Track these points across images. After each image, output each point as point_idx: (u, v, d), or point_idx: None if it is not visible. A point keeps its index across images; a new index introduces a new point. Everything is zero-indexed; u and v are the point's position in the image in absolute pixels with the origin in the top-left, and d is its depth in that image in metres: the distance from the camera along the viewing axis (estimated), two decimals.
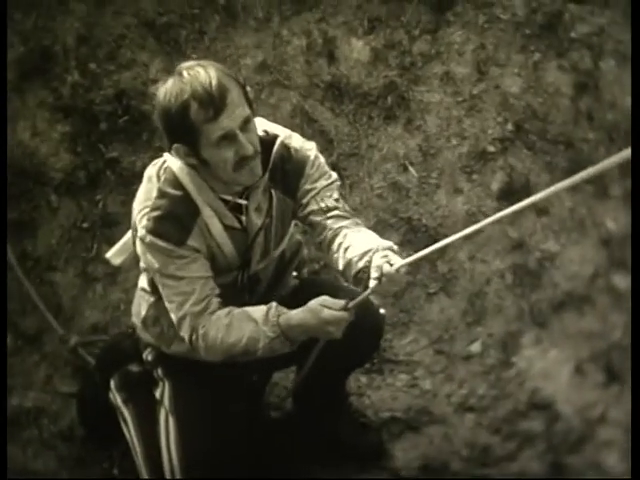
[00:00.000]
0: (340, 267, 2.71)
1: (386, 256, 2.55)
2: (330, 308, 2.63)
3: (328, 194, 2.82)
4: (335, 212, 2.80)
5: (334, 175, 2.88)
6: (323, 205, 2.80)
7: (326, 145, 4.19)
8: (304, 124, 4.23)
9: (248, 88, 4.09)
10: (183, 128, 2.56)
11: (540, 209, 4.03)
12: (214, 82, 2.51)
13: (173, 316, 2.78)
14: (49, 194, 4.06)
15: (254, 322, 2.70)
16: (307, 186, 2.82)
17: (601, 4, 4.40)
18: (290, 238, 3.01)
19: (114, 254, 3.08)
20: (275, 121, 4.06)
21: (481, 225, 2.44)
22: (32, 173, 4.07)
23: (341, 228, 2.76)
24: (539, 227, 4.00)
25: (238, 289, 2.92)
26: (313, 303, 2.66)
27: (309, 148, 2.86)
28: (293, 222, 2.97)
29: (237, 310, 2.74)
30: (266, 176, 2.75)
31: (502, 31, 4.39)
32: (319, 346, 2.90)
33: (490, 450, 3.43)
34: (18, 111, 4.17)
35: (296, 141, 2.85)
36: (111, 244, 3.63)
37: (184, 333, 2.77)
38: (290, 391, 3.47)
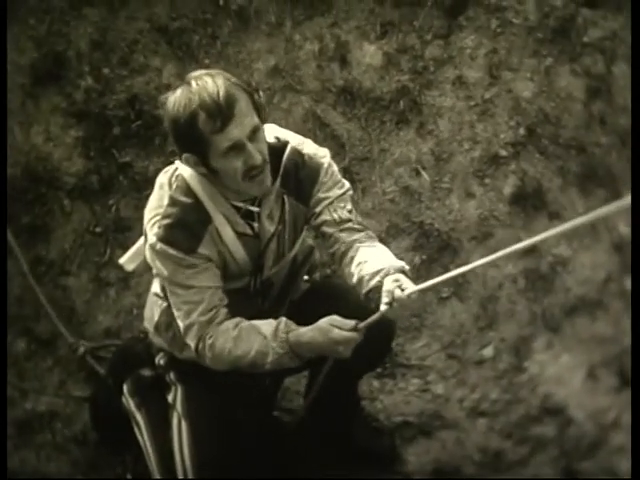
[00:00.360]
0: (352, 282, 2.71)
1: (397, 280, 2.56)
2: (340, 328, 2.64)
3: (342, 205, 2.82)
4: (348, 224, 2.80)
5: (347, 184, 2.88)
6: (336, 216, 2.80)
7: (338, 150, 4.19)
8: (316, 129, 4.23)
9: (260, 93, 4.19)
10: (192, 138, 2.56)
11: (552, 213, 4.02)
12: (222, 92, 2.50)
13: (180, 324, 2.79)
14: (62, 199, 4.07)
15: (263, 337, 2.70)
16: (320, 194, 2.82)
17: (614, 9, 4.39)
18: (302, 242, 3.00)
19: (127, 260, 3.08)
20: (287, 126, 4.09)
21: (504, 253, 2.43)
22: (45, 178, 4.08)
23: (354, 242, 2.77)
24: None
25: (251, 294, 2.92)
26: (323, 322, 2.67)
27: (323, 155, 2.85)
28: (305, 227, 2.98)
29: (246, 323, 2.75)
30: (278, 183, 2.75)
31: (514, 35, 4.38)
32: (329, 363, 2.90)
33: (502, 455, 3.43)
34: (32, 116, 4.19)
35: (309, 148, 2.85)
36: (124, 249, 3.64)
37: (190, 341, 2.77)
38: (302, 396, 3.47)
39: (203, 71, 2.61)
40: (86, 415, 3.52)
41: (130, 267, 3.07)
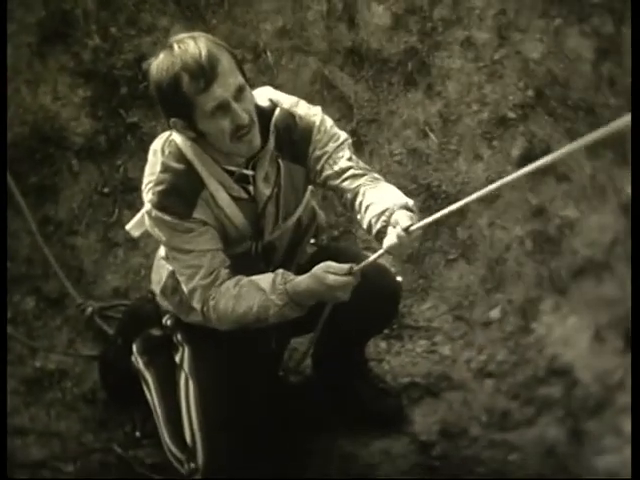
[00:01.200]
0: (364, 226, 2.73)
1: (400, 220, 2.55)
2: (335, 273, 2.66)
3: (340, 155, 2.83)
4: (350, 172, 2.80)
5: (343, 134, 2.88)
6: (337, 168, 2.81)
7: (346, 111, 4.19)
8: (324, 90, 4.22)
9: (268, 53, 4.18)
10: (177, 101, 2.57)
11: (560, 176, 4.02)
12: (204, 53, 2.51)
13: (184, 288, 2.82)
14: (70, 159, 4.07)
15: (262, 291, 2.73)
16: (317, 152, 2.83)
17: None
18: (306, 205, 3.01)
19: (133, 226, 3.07)
20: (295, 87, 4.12)
21: (496, 186, 2.43)
22: (53, 137, 4.08)
23: (359, 187, 2.77)
24: (559, 194, 3.99)
25: (253, 258, 2.93)
26: (318, 269, 2.69)
27: (314, 114, 2.85)
28: (309, 188, 2.98)
29: (245, 280, 2.76)
30: (271, 145, 2.76)
31: None
32: (329, 308, 2.90)
33: (509, 415, 3.43)
34: (39, 75, 4.17)
35: (301, 108, 2.85)
36: (132, 209, 3.67)
37: (196, 305, 2.81)
38: (306, 355, 3.45)
39: (185, 34, 2.61)
40: (95, 374, 3.54)
41: (136, 233, 3.08)
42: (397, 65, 4.30)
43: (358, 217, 2.76)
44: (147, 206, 2.75)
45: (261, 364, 3.20)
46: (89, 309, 3.70)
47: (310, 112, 2.85)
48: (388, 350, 3.72)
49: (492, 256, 3.92)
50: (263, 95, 2.80)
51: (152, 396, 3.17)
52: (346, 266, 2.67)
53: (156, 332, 3.26)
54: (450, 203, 3.91)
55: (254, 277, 2.77)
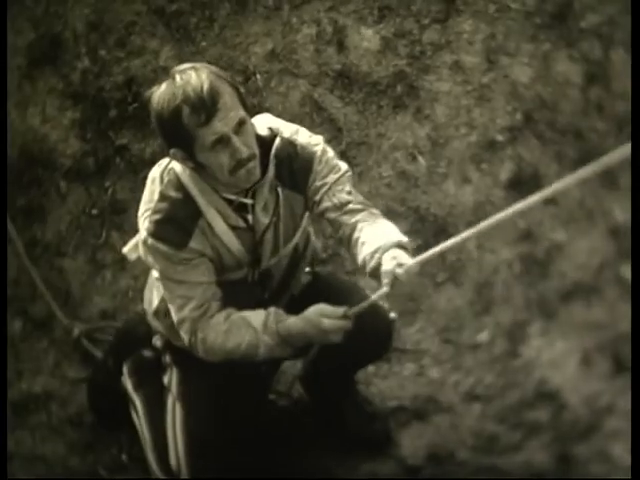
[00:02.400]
0: (358, 263, 2.72)
1: (395, 258, 2.56)
2: (329, 317, 2.66)
3: (339, 188, 2.81)
4: (349, 207, 2.79)
5: (344, 166, 2.87)
6: (336, 201, 2.79)
7: (335, 133, 4.20)
8: (313, 113, 4.23)
9: (257, 77, 4.19)
10: (177, 133, 2.56)
11: (549, 199, 4.01)
12: (205, 86, 2.50)
13: (174, 317, 2.80)
14: (58, 180, 4.07)
15: (253, 329, 2.72)
16: (317, 183, 2.81)
17: None
18: (302, 232, 2.99)
19: (130, 249, 3.06)
20: (284, 110, 4.13)
21: (495, 220, 2.44)
22: (41, 159, 4.08)
23: (357, 223, 2.76)
24: (547, 217, 4.00)
25: (249, 285, 2.91)
26: (312, 313, 2.69)
27: (316, 143, 2.84)
28: (306, 215, 2.97)
29: (235, 315, 2.75)
30: (271, 174, 2.74)
31: (512, 20, 4.38)
32: (314, 352, 2.92)
33: (496, 439, 3.42)
34: (28, 97, 4.18)
35: (302, 137, 2.84)
36: (120, 231, 3.67)
37: (183, 335, 2.79)
38: (297, 378, 3.46)
39: (188, 65, 2.61)
40: (81, 396, 3.53)
41: (132, 256, 3.07)
42: (386, 88, 4.31)
43: (354, 252, 2.74)
44: (143, 234, 2.73)
45: (250, 388, 3.18)
46: (76, 330, 3.70)
47: (312, 141, 2.84)
48: (376, 373, 3.71)
49: (480, 279, 3.92)
50: (262, 123, 2.79)
51: (140, 420, 3.16)
52: (340, 310, 2.66)
53: (148, 353, 3.23)
54: (439, 226, 4.01)
55: (245, 313, 2.76)
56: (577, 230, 3.95)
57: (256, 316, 2.74)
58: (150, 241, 2.70)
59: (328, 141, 2.85)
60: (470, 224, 3.93)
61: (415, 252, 3.92)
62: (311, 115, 4.21)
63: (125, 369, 3.25)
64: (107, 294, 3.89)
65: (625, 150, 1.95)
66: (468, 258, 3.96)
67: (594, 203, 3.99)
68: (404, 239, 2.67)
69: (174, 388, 3.05)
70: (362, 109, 4.29)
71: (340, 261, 4.00)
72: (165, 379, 3.10)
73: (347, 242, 2.79)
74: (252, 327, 2.72)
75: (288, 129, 2.84)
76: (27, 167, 4.03)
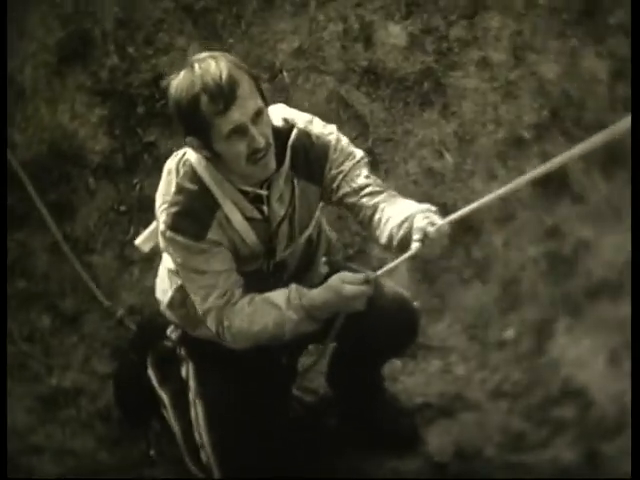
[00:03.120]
0: (383, 241, 2.70)
1: (427, 217, 2.55)
2: (351, 283, 2.65)
3: (357, 173, 2.80)
4: (368, 189, 2.78)
5: (359, 153, 2.86)
6: (355, 185, 2.78)
7: (362, 130, 4.21)
8: (340, 109, 4.24)
9: (284, 74, 4.20)
10: (194, 121, 2.56)
11: (575, 196, 4.02)
12: (224, 75, 2.50)
13: (199, 308, 2.79)
14: (87, 177, 4.11)
15: (277, 308, 2.71)
16: (334, 171, 2.81)
17: None
18: (316, 223, 2.99)
19: (143, 241, 3.06)
20: (311, 106, 4.13)
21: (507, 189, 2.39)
22: (71, 156, 4.12)
23: (377, 203, 2.74)
24: (574, 214, 3.99)
25: (265, 276, 2.91)
26: (333, 281, 2.68)
27: (329, 132, 2.84)
28: (319, 205, 2.95)
29: (258, 297, 2.75)
30: (287, 166, 2.74)
31: (539, 17, 4.37)
32: (341, 318, 2.86)
33: (523, 437, 3.42)
34: (57, 94, 4.22)
35: (316, 127, 2.83)
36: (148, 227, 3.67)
37: (211, 325, 2.78)
38: (314, 365, 3.39)
39: (207, 54, 2.60)
40: (110, 392, 3.54)
41: (146, 248, 3.07)
42: (413, 85, 4.31)
43: (377, 233, 2.73)
44: (161, 227, 2.73)
45: (271, 380, 3.16)
46: (120, 311, 3.70)
47: (325, 131, 2.84)
48: (402, 370, 3.72)
49: (507, 276, 3.92)
50: (277, 114, 2.78)
51: (168, 415, 3.17)
52: (361, 275, 2.66)
53: (169, 344, 3.21)
54: (465, 223, 4.01)
55: (267, 294, 2.75)
56: (604, 227, 3.93)
57: (278, 295, 2.73)
58: (169, 234, 2.70)
59: (355, 138, 2.87)
60: (497, 221, 4.00)
61: (442, 248, 3.99)
62: (338, 112, 4.22)
63: (149, 363, 3.26)
64: (135, 290, 3.91)
65: (624, 123, 1.92)
66: (494, 255, 3.96)
67: (620, 200, 3.98)
68: (432, 207, 2.66)
69: (192, 383, 3.05)
70: (389, 106, 4.29)
71: (366, 258, 4.01)
72: (183, 372, 3.10)
73: (368, 224, 2.77)
74: (276, 306, 2.71)
75: (302, 119, 2.83)
76: (56, 164, 4.06)
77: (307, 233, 2.94)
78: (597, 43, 4.28)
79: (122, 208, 4.06)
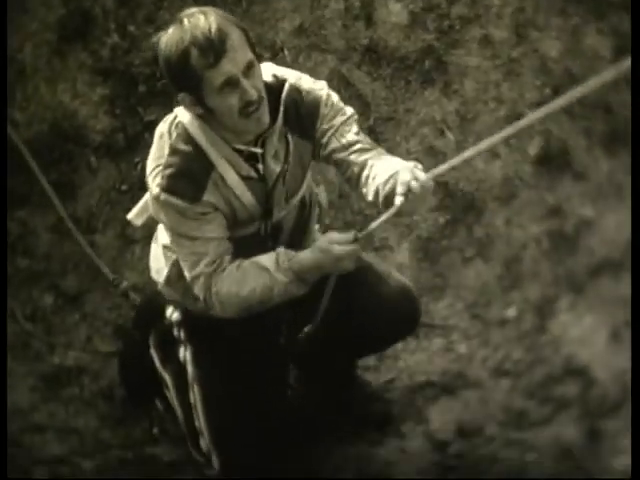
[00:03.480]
0: (370, 198, 2.69)
1: (411, 172, 2.53)
2: (339, 243, 2.62)
3: (347, 129, 2.79)
4: (357, 146, 2.77)
5: (350, 110, 2.84)
6: (344, 141, 2.77)
7: (363, 109, 4.19)
8: (341, 88, 4.22)
9: (285, 52, 4.19)
10: (185, 76, 2.54)
11: (577, 174, 4.02)
12: (213, 28, 2.48)
13: (187, 275, 2.77)
14: (89, 156, 4.10)
15: (265, 270, 2.69)
16: (324, 126, 2.79)
17: None
18: (308, 183, 2.98)
19: (135, 215, 3.06)
20: None
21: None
22: (72, 135, 4.11)
23: (366, 160, 2.73)
24: (576, 192, 3.99)
25: (262, 239, 2.89)
26: (321, 242, 2.66)
27: (320, 88, 2.82)
28: (310, 165, 2.93)
29: (246, 262, 2.73)
30: (280, 122, 2.72)
31: None
32: (332, 281, 2.80)
33: (525, 414, 3.43)
34: (58, 73, 4.20)
35: (306, 82, 2.82)
36: None
37: (198, 292, 2.76)
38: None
39: (196, 9, 2.59)
40: (113, 370, 3.56)
41: (138, 221, 3.06)
42: (414, 63, 4.30)
43: (364, 190, 2.71)
44: (155, 190, 2.69)
45: (269, 364, 3.12)
46: (124, 283, 3.70)
47: (316, 86, 2.82)
48: (404, 348, 3.72)
49: (508, 255, 3.92)
50: (266, 71, 2.76)
51: (171, 396, 3.17)
52: (349, 234, 2.63)
53: (169, 323, 3.19)
54: (467, 202, 4.01)
55: (255, 258, 2.73)
56: (605, 205, 3.93)
57: (266, 258, 2.71)
58: (163, 196, 2.67)
59: (356, 116, 2.84)
60: (499, 199, 4.00)
61: (444, 227, 4.00)
62: (339, 90, 4.17)
63: (151, 342, 3.24)
64: (137, 269, 3.90)
65: (625, 64, 1.91)
66: (496, 233, 3.96)
67: (623, 178, 3.97)
68: (418, 164, 2.64)
69: (189, 367, 3.05)
70: (390, 84, 4.29)
71: (368, 238, 4.01)
72: (180, 354, 3.09)
73: (356, 181, 2.76)
74: (264, 269, 2.69)
75: (292, 75, 2.81)
76: (57, 143, 4.06)
77: (300, 193, 2.92)
78: (599, 20, 4.26)
79: (123, 187, 4.06)
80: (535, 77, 4.22)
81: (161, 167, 2.69)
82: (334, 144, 2.79)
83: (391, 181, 2.58)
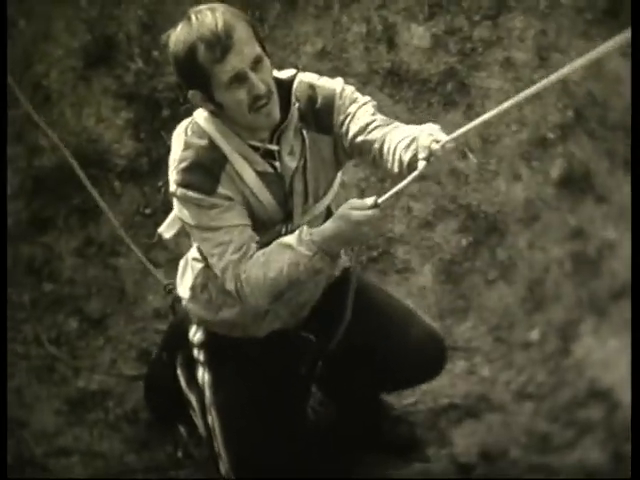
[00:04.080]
0: (395, 169, 2.59)
1: (431, 135, 2.46)
2: (359, 209, 2.55)
3: (362, 112, 2.74)
4: (374, 124, 2.71)
5: (366, 98, 2.80)
6: (362, 123, 2.72)
7: None
8: None
9: None
10: (194, 72, 2.53)
11: (599, 197, 4.02)
12: (220, 23, 2.47)
13: (217, 270, 2.72)
14: (113, 180, 4.13)
15: (289, 247, 2.62)
16: (341, 117, 2.75)
17: None
18: (336, 191, 2.93)
19: (165, 228, 3.05)
20: None
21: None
22: (96, 160, 4.13)
23: (385, 134, 2.66)
24: (598, 215, 3.99)
25: None
26: (342, 209, 2.58)
27: (335, 82, 2.81)
28: (339, 176, 2.91)
29: (272, 245, 2.68)
30: (294, 117, 2.70)
31: (563, 16, 4.36)
32: (351, 297, 2.84)
33: (549, 438, 3.42)
34: (83, 98, 4.24)
35: (321, 80, 2.81)
36: None
37: (229, 284, 2.69)
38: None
39: (204, 6, 2.57)
40: (137, 394, 3.57)
41: (168, 234, 3.04)
42: (436, 86, 4.32)
43: (388, 164, 2.62)
44: (172, 187, 2.69)
45: (289, 391, 3.10)
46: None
47: (330, 81, 2.82)
48: None
49: (531, 277, 3.92)
50: (280, 73, 2.74)
51: (197, 416, 3.16)
52: (369, 200, 2.55)
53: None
54: (489, 224, 4.01)
55: (279, 239, 2.68)
56: (628, 228, 3.92)
57: (290, 236, 2.65)
58: (179, 191, 2.66)
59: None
60: (521, 221, 4.00)
61: (466, 249, 4.00)
62: None
63: (178, 363, 3.22)
64: (160, 293, 3.90)
65: (625, 36, 1.91)
66: (519, 256, 3.96)
67: None
68: (436, 126, 2.55)
69: (207, 391, 3.03)
70: (412, 107, 4.30)
71: (390, 259, 4.02)
72: (198, 376, 3.07)
73: (379, 157, 2.67)
74: (288, 246, 2.62)
75: (307, 75, 2.80)
76: (82, 167, 4.06)
77: (327, 200, 2.88)
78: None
79: (147, 211, 4.08)
80: (557, 99, 4.22)
81: (176, 162, 2.68)
82: (353, 129, 2.73)
83: (412, 147, 2.49)
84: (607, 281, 3.85)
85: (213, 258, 2.72)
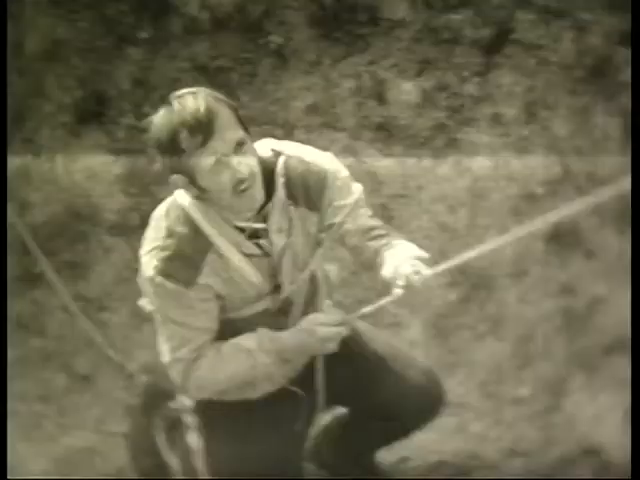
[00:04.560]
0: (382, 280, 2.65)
1: (413, 265, 2.52)
2: (326, 325, 2.59)
3: (361, 212, 2.78)
4: (374, 232, 2.76)
5: (358, 187, 2.83)
6: (360, 225, 2.76)
7: (375, 186, 4.22)
8: (353, 165, 4.25)
9: (298, 130, 4.23)
10: (176, 157, 2.49)
11: (588, 252, 4.02)
12: (202, 108, 2.44)
13: (165, 359, 2.71)
14: (102, 235, 4.13)
15: (247, 352, 2.64)
16: (336, 203, 2.75)
17: None
18: (319, 258, 2.87)
19: (147, 301, 3.05)
20: None
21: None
22: (86, 214, 4.14)
23: (381, 247, 2.71)
24: (588, 270, 3.99)
25: (273, 314, 2.80)
26: (306, 322, 2.62)
27: (328, 159, 2.80)
28: (323, 242, 2.84)
29: (225, 344, 2.67)
30: (281, 195, 2.67)
31: (551, 74, 4.41)
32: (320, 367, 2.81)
33: None
34: (74, 154, 4.26)
35: (311, 153, 2.78)
36: None
37: (175, 377, 2.70)
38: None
39: (186, 90, 2.54)
40: (124, 451, 3.54)
41: (150, 307, 3.04)
42: (426, 140, 4.34)
43: (377, 276, 2.68)
44: (150, 272, 2.63)
45: (285, 451, 2.99)
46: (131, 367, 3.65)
47: (322, 157, 2.79)
48: None
49: (521, 332, 3.91)
50: (265, 146, 2.73)
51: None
52: (337, 317, 2.60)
53: (175, 406, 3.08)
54: (479, 278, 4.01)
55: (235, 340, 2.67)
56: (617, 284, 3.93)
57: (247, 339, 2.65)
58: (158, 279, 2.61)
59: (368, 193, 2.84)
60: (510, 276, 4.00)
61: (456, 304, 4.00)
62: (350, 167, 4.22)
63: (156, 426, 3.16)
64: (148, 348, 3.89)
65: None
66: (508, 311, 3.96)
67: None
68: (424, 254, 2.62)
69: (199, 455, 2.95)
70: (402, 161, 4.31)
71: (381, 313, 3.98)
72: (189, 440, 2.99)
73: (370, 265, 2.74)
74: (246, 349, 2.63)
75: (293, 148, 2.77)
76: (72, 222, 4.09)
77: (310, 267, 2.83)
78: (608, 100, 4.31)
79: (137, 266, 4.07)
80: (545, 155, 4.24)
81: (158, 250, 2.64)
82: (348, 226, 2.76)
83: (394, 272, 2.56)
84: (597, 336, 3.84)
85: (167, 346, 2.70)
